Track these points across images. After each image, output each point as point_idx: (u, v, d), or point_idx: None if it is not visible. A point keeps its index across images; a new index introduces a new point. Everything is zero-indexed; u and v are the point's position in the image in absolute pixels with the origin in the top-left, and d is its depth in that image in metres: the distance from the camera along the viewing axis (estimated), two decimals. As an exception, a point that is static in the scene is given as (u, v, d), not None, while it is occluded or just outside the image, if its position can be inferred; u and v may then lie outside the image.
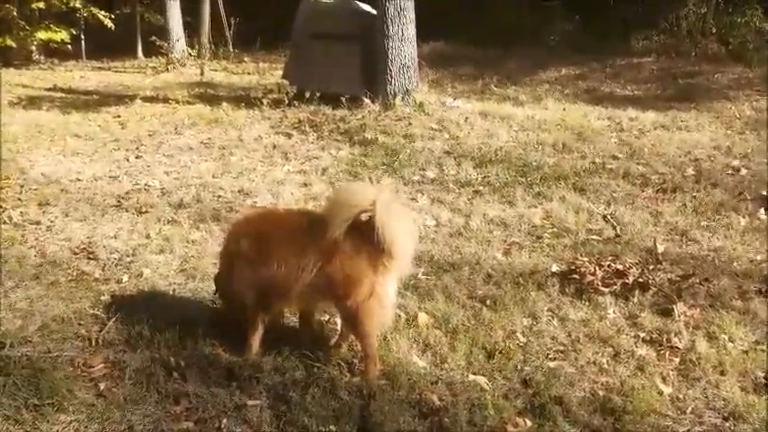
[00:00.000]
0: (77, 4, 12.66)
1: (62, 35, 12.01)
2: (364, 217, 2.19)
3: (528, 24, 11.28)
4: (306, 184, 4.58)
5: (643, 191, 4.24)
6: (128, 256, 3.37)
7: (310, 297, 2.37)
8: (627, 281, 2.91)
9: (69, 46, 12.60)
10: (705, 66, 8.29)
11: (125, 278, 3.13)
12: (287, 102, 6.74)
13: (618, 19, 10.64)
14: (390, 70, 6.38)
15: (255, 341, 2.47)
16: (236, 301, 2.45)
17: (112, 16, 12.66)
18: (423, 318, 2.73)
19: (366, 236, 2.19)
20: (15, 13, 11.80)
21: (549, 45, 10.91)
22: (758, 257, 3.27)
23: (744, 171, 4.51)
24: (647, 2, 10.60)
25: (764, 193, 4.08)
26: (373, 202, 2.17)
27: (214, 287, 2.68)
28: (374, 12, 6.60)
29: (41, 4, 12.02)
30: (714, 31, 9.39)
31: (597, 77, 8.64)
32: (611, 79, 8.44)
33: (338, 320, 2.57)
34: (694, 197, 4.07)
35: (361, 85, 6.56)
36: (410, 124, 5.90)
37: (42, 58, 13.04)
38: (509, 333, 2.62)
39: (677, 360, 2.45)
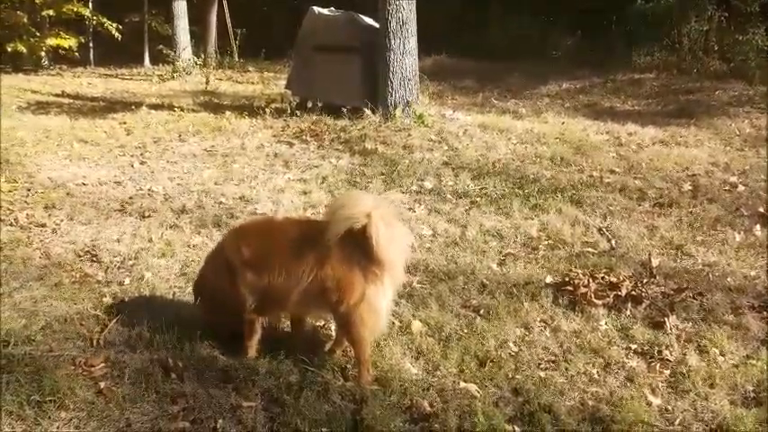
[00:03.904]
0: (87, 13, 12.88)
1: (71, 42, 12.23)
2: (358, 226, 2.24)
3: (530, 38, 11.38)
4: (305, 193, 4.64)
5: (640, 205, 4.28)
6: (130, 259, 3.43)
7: (305, 303, 2.43)
8: (620, 293, 2.95)
9: (77, 53, 12.80)
10: (706, 83, 8.34)
11: (127, 281, 3.19)
12: (289, 111, 6.83)
13: (620, 34, 10.74)
14: (391, 82, 6.46)
15: (253, 345, 2.53)
16: (226, 307, 2.49)
17: (120, 26, 12.88)
18: (416, 325, 2.78)
19: (360, 245, 2.25)
20: (26, 20, 12.01)
21: (551, 59, 11.00)
22: (752, 273, 3.30)
23: (741, 187, 4.55)
24: (649, 18, 10.70)
25: (761, 209, 4.11)
26: (369, 213, 2.23)
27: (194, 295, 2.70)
28: (376, 25, 6.71)
29: (51, 12, 12.22)
30: (716, 48, 9.46)
31: (598, 92, 8.71)
32: (612, 94, 8.51)
33: (333, 326, 2.62)
34: (690, 212, 4.11)
35: (362, 96, 6.64)
36: (410, 135, 5.96)
37: (51, 64, 13.23)
38: (501, 342, 2.66)
39: (667, 372, 2.48)
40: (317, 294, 2.34)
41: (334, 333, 2.64)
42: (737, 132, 6.06)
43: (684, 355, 2.57)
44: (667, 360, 2.54)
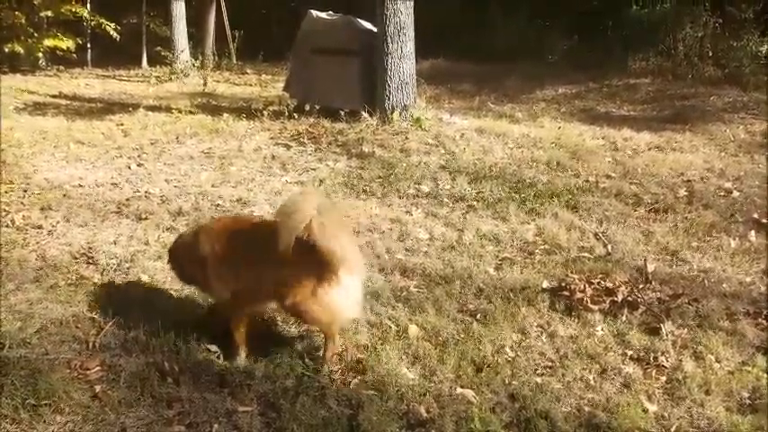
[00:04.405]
0: (85, 14, 12.86)
1: (68, 43, 12.19)
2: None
3: (526, 43, 11.42)
4: (303, 195, 4.63)
5: (635, 210, 4.29)
6: (126, 261, 3.42)
7: (260, 297, 2.55)
8: (616, 299, 2.96)
9: (75, 54, 12.77)
10: (701, 88, 8.38)
11: (123, 283, 3.18)
12: (287, 114, 6.84)
13: (616, 40, 10.80)
14: (389, 86, 6.48)
15: (240, 343, 2.57)
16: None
17: (118, 27, 12.86)
18: (413, 330, 2.78)
19: (312, 243, 2.32)
20: (24, 21, 11.97)
21: (547, 63, 11.04)
22: (747, 279, 3.32)
23: (736, 193, 4.57)
24: (645, 24, 10.76)
25: (756, 215, 4.13)
26: (310, 217, 2.27)
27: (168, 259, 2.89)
28: (374, 29, 6.73)
29: (50, 12, 12.19)
30: (711, 54, 9.51)
31: (594, 97, 8.73)
32: (608, 99, 8.53)
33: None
34: (686, 218, 4.12)
35: (359, 99, 6.66)
36: (407, 139, 5.98)
37: (48, 64, 13.19)
38: (498, 348, 2.66)
39: (663, 378, 2.49)
40: (270, 289, 2.46)
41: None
42: (732, 138, 6.09)
43: (680, 361, 2.58)
44: (663, 366, 2.54)
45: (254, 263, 2.46)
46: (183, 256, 2.74)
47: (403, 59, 6.47)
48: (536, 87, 9.31)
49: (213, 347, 2.61)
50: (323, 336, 2.58)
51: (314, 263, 2.34)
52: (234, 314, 2.59)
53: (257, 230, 2.61)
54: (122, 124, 6.71)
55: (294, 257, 2.31)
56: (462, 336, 2.74)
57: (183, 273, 2.81)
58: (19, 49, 11.85)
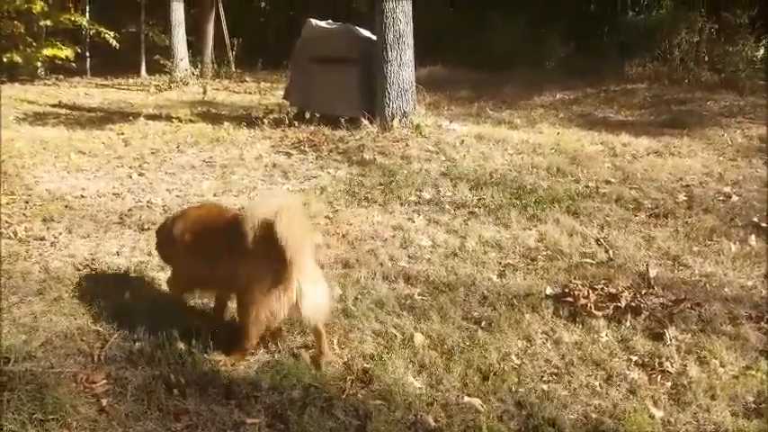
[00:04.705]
0: (84, 22, 12.90)
1: (67, 52, 12.22)
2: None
3: (523, 49, 11.49)
4: (305, 203, 4.63)
5: (636, 215, 4.32)
6: (130, 272, 3.42)
7: (219, 285, 2.74)
8: (619, 304, 2.97)
9: (73, 63, 12.80)
10: (698, 93, 8.44)
11: (127, 294, 3.18)
12: (287, 122, 6.86)
13: (612, 45, 10.88)
14: (389, 93, 6.52)
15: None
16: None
17: (117, 35, 12.90)
18: (419, 338, 2.78)
19: (273, 244, 2.39)
20: (23, 30, 12.00)
21: (545, 70, 11.10)
22: (749, 283, 3.34)
23: (735, 198, 4.60)
24: (641, 29, 10.85)
25: (755, 219, 4.16)
26: (275, 213, 2.37)
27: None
28: (373, 37, 6.77)
29: (49, 22, 12.23)
30: (707, 59, 9.59)
31: (591, 102, 8.79)
32: (606, 104, 8.59)
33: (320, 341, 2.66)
34: (686, 223, 4.15)
35: (359, 107, 6.69)
36: (407, 146, 6.00)
37: (47, 73, 13.21)
38: (504, 355, 2.67)
39: (669, 384, 2.50)
40: (229, 282, 2.61)
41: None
42: (730, 142, 6.13)
43: (685, 366, 2.59)
44: (668, 372, 2.55)
45: (216, 251, 2.61)
46: (162, 236, 2.98)
47: (402, 67, 6.51)
48: (534, 93, 9.36)
49: (220, 357, 2.60)
50: (241, 329, 2.61)
51: (270, 263, 2.42)
52: (177, 292, 2.92)
53: (228, 221, 2.71)
54: (123, 133, 6.72)
55: (253, 254, 2.42)
56: (468, 343, 2.74)
57: (161, 251, 3.05)
58: (18, 58, 11.87)
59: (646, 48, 10.32)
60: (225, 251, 2.58)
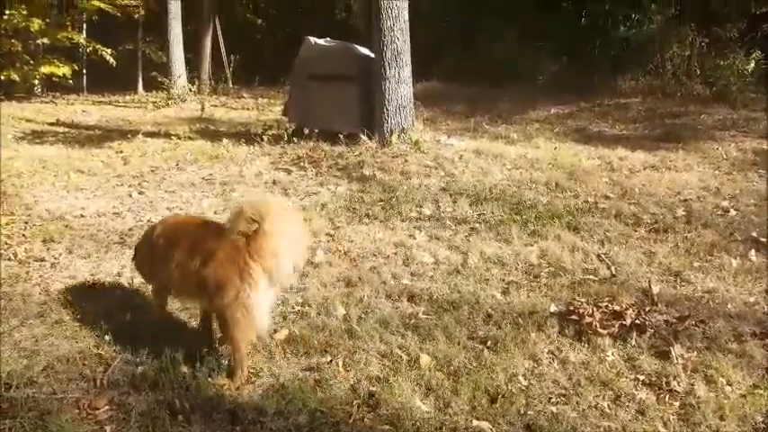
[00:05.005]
0: (81, 40, 12.95)
1: (65, 70, 12.25)
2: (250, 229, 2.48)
3: (516, 64, 11.60)
4: (306, 220, 4.63)
5: (635, 231, 4.33)
6: (131, 294, 3.39)
7: (190, 293, 2.79)
8: (624, 322, 2.97)
9: (70, 80, 12.83)
10: (691, 106, 8.53)
11: (128, 316, 3.15)
12: (286, 138, 6.88)
13: (604, 60, 10.98)
14: (387, 110, 6.57)
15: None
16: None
17: (114, 52, 12.95)
18: (425, 360, 2.77)
19: (243, 247, 2.49)
20: (20, 48, 12.04)
21: (538, 84, 11.20)
22: (751, 299, 3.35)
23: (733, 212, 4.63)
24: (632, 44, 10.98)
25: (755, 234, 4.18)
26: (262, 216, 2.45)
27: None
28: (371, 55, 6.83)
29: (46, 40, 12.27)
30: (698, 73, 9.71)
31: (586, 117, 8.86)
32: (600, 119, 8.66)
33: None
34: (686, 238, 4.17)
35: (358, 123, 6.72)
36: (406, 161, 6.02)
37: (44, 91, 13.23)
38: (511, 376, 2.66)
39: (677, 404, 2.49)
40: (199, 287, 2.64)
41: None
42: (725, 156, 6.18)
43: (692, 385, 2.58)
44: (676, 391, 2.55)
45: (188, 258, 2.66)
46: (139, 246, 3.11)
47: (400, 84, 6.57)
48: (528, 108, 9.43)
49: (224, 381, 2.58)
50: (231, 348, 2.64)
51: (241, 267, 2.49)
52: (159, 303, 2.98)
53: (199, 229, 2.82)
54: (122, 151, 6.71)
55: (225, 259, 2.50)
56: (474, 364, 2.73)
57: (137, 262, 3.12)
58: (15, 76, 11.90)
59: (637, 62, 10.45)
60: (195, 255, 2.64)
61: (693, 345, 2.87)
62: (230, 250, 2.51)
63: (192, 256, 2.62)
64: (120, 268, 3.72)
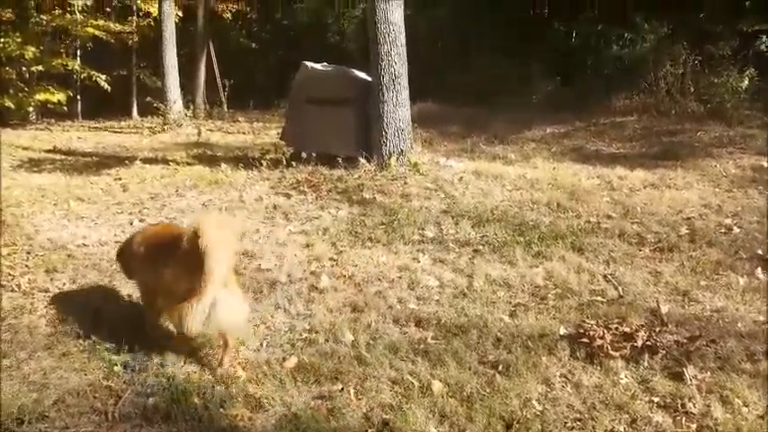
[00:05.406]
0: (76, 66, 13.04)
1: (59, 96, 12.33)
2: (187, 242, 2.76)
3: (509, 84, 11.76)
4: (308, 245, 4.63)
5: (640, 250, 4.35)
6: (137, 324, 3.36)
7: (157, 295, 3.05)
8: (636, 344, 2.97)
9: (65, 107, 12.87)
10: (687, 124, 8.65)
11: (136, 347, 3.12)
12: (285, 162, 6.90)
13: (597, 79, 11.16)
14: (386, 133, 6.62)
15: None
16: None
17: (109, 78, 13.04)
18: (437, 386, 2.75)
19: (192, 256, 2.72)
20: (14, 76, 12.10)
21: (532, 104, 11.33)
22: (761, 318, 3.35)
23: (736, 230, 4.65)
24: (625, 62, 11.18)
25: (760, 251, 4.20)
26: (198, 230, 2.71)
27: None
28: (368, 78, 6.91)
29: (41, 67, 12.35)
30: (692, 90, 9.87)
31: (582, 136, 8.95)
32: (596, 137, 8.74)
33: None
34: (691, 256, 4.18)
35: (356, 146, 6.77)
36: (406, 184, 6.05)
37: (39, 117, 13.26)
38: (525, 401, 2.64)
39: (694, 426, 2.48)
40: (163, 290, 2.95)
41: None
42: (724, 173, 6.25)
43: (708, 407, 2.57)
44: (692, 413, 2.54)
45: (154, 265, 2.99)
46: (122, 249, 3.43)
47: (398, 107, 6.63)
48: (524, 128, 9.52)
49: (237, 411, 2.54)
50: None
51: (193, 273, 2.71)
52: (148, 308, 3.24)
53: (167, 238, 3.07)
54: (120, 178, 6.70)
55: (180, 266, 2.79)
56: (487, 390, 2.71)
57: (121, 265, 3.48)
58: (9, 103, 11.94)
59: (631, 81, 10.61)
60: (165, 265, 2.91)
61: (706, 365, 2.87)
62: (184, 258, 2.79)
63: (159, 262, 2.94)
64: (127, 297, 3.68)
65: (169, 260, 2.85)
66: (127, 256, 3.32)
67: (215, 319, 2.77)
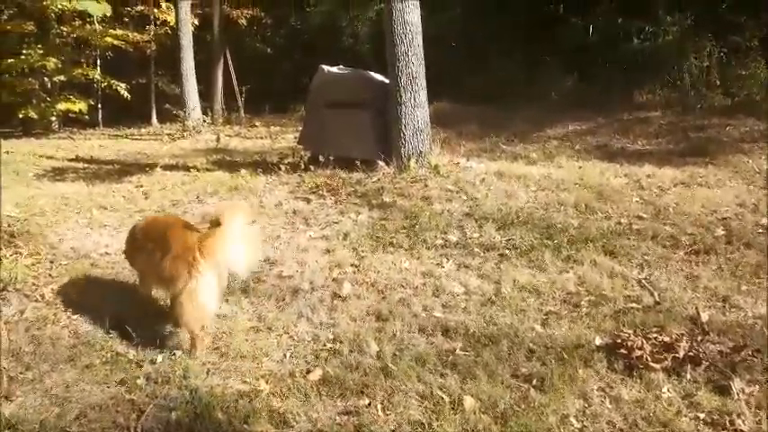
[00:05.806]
0: (96, 76, 13.22)
1: (81, 105, 12.51)
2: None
3: (528, 82, 11.53)
4: (329, 251, 4.55)
5: (675, 253, 4.17)
6: (160, 334, 3.31)
7: (156, 281, 3.31)
8: (677, 355, 2.82)
9: (86, 115, 13.06)
10: (714, 119, 8.37)
11: (159, 358, 3.07)
12: (303, 166, 6.84)
13: (617, 74, 10.86)
14: (404, 134, 6.52)
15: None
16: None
17: (129, 86, 13.20)
18: (469, 402, 2.64)
19: (194, 245, 3.01)
20: (37, 86, 12.30)
21: (551, 101, 11.10)
22: (806, 324, 3.18)
23: (775, 230, 4.46)
24: (646, 56, 10.87)
25: (800, 253, 4.02)
26: (223, 215, 3.00)
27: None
28: (385, 80, 6.82)
29: (63, 77, 12.54)
30: (718, 83, 9.57)
31: (605, 132, 8.71)
32: (621, 134, 8.50)
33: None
34: (729, 259, 4.00)
35: (374, 148, 6.67)
36: (426, 186, 5.93)
37: (61, 126, 13.48)
38: (562, 417, 2.51)
39: (745, 444, 2.34)
40: (160, 279, 3.18)
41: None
42: (757, 170, 6.01)
43: (759, 423, 2.43)
44: (741, 431, 2.39)
45: (154, 252, 3.18)
46: (127, 238, 3.63)
47: (416, 108, 6.53)
48: (545, 126, 9.32)
49: (261, 428, 2.47)
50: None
51: (190, 262, 2.96)
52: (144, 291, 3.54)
53: (167, 227, 3.31)
54: (142, 186, 6.71)
55: (178, 255, 3.01)
56: (522, 406, 2.59)
57: (125, 252, 3.70)
58: (33, 114, 12.14)
59: (654, 75, 10.33)
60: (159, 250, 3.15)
61: (754, 378, 2.71)
62: (183, 247, 3.03)
63: (157, 251, 3.15)
64: (150, 306, 3.64)
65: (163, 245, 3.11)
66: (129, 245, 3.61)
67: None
